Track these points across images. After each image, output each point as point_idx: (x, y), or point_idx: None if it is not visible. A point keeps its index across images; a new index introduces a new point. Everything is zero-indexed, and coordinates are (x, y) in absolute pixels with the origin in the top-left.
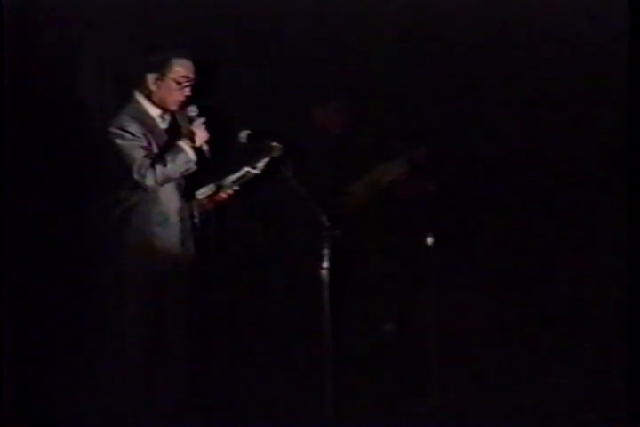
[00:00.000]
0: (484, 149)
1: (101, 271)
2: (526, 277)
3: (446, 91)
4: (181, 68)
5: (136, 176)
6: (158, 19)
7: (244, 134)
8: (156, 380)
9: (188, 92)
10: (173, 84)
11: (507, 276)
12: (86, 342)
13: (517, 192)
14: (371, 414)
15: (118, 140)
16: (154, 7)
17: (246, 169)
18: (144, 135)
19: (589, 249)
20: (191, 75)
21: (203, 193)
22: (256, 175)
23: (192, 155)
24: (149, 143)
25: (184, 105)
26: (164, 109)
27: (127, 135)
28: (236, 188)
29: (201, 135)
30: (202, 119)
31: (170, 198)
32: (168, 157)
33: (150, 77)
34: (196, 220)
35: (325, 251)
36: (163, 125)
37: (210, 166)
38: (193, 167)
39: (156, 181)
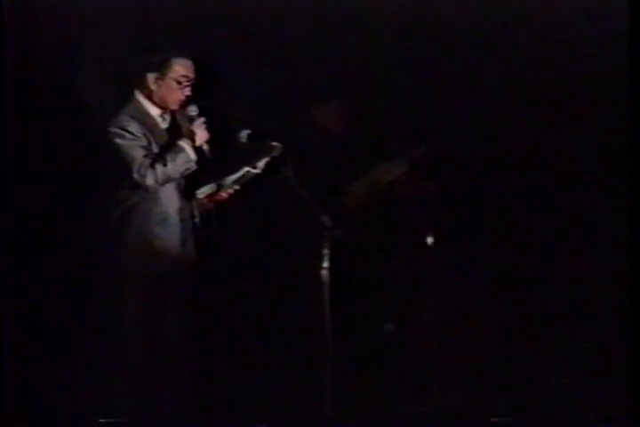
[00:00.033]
0: (483, 149)
1: (101, 271)
2: (526, 277)
3: (446, 91)
4: (182, 68)
5: (136, 176)
6: (158, 19)
7: (244, 134)
8: (156, 380)
9: (188, 91)
10: (174, 84)
11: (507, 276)
12: (86, 342)
13: (517, 192)
14: (371, 414)
15: (118, 140)
16: (154, 7)
17: (246, 169)
18: (144, 135)
19: (589, 249)
20: (191, 74)
21: (203, 193)
22: (256, 175)
23: (192, 154)
24: (149, 143)
25: (184, 105)
26: (165, 109)
27: (127, 135)
28: (237, 187)
29: (201, 135)
30: (202, 119)
31: (170, 198)
32: (168, 157)
33: (150, 77)
34: (197, 219)
35: (325, 251)
36: (163, 125)
37: (210, 166)
38: (193, 167)
39: (156, 181)
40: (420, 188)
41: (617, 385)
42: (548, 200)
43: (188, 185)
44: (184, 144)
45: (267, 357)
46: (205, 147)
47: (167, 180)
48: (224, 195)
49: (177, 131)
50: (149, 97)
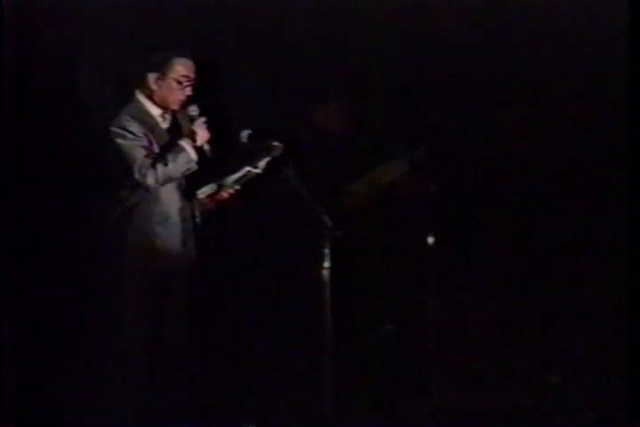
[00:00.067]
0: (483, 149)
1: (102, 271)
2: (526, 277)
3: (446, 91)
4: (182, 68)
5: (137, 176)
6: (158, 19)
7: (245, 134)
8: (156, 380)
9: (189, 91)
10: (174, 84)
11: (507, 276)
12: (86, 342)
13: (517, 192)
14: (371, 414)
15: (119, 140)
16: (154, 7)
17: (247, 168)
18: (145, 135)
19: (589, 249)
20: (192, 74)
21: (204, 193)
22: (257, 175)
23: (193, 154)
24: (150, 143)
25: (185, 104)
26: (165, 109)
27: (128, 135)
28: (238, 187)
29: (202, 135)
30: (203, 119)
31: (171, 198)
32: (169, 157)
33: (151, 77)
34: (198, 219)
35: (326, 250)
36: (164, 125)
37: (211, 166)
38: (194, 167)
39: (157, 181)
40: (420, 188)
41: (617, 385)
42: (548, 200)
43: (188, 185)
44: (185, 144)
45: (267, 357)
46: (206, 147)
47: (168, 180)
48: (225, 195)
49: (178, 131)
50: (150, 97)
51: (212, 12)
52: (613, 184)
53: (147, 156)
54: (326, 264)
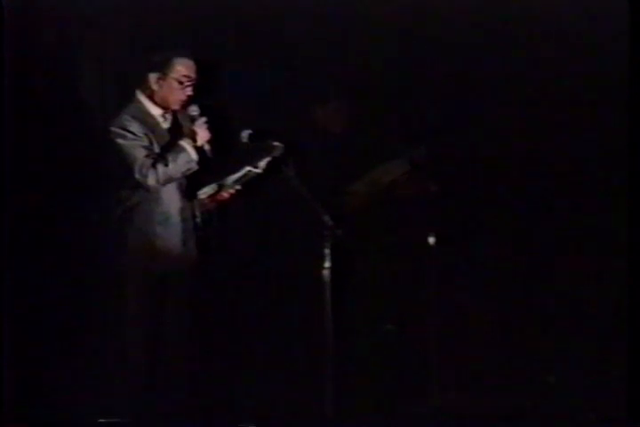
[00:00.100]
0: (483, 149)
1: (102, 271)
2: (526, 277)
3: (446, 91)
4: (183, 68)
5: (137, 176)
6: (158, 19)
7: (245, 134)
8: (156, 380)
9: (189, 91)
10: (175, 84)
11: (507, 276)
12: (86, 342)
13: (517, 192)
14: (371, 414)
15: (120, 140)
16: (154, 7)
17: (248, 168)
18: (145, 135)
19: (589, 249)
20: (193, 74)
21: (204, 193)
22: (258, 175)
23: (194, 154)
24: (151, 143)
25: (186, 104)
26: (166, 109)
27: (129, 135)
28: (238, 187)
29: (202, 135)
30: (203, 119)
31: (171, 198)
32: (170, 157)
33: (152, 77)
34: (198, 219)
35: (327, 250)
36: (164, 125)
37: (211, 166)
38: (194, 167)
39: (157, 181)
40: (420, 188)
41: (617, 385)
42: (548, 200)
43: (189, 185)
44: (185, 144)
45: (267, 357)
46: (207, 147)
47: (168, 180)
48: (225, 195)
49: (178, 131)
50: (151, 97)
51: (212, 11)
52: (613, 184)
53: (147, 156)
54: (327, 264)
